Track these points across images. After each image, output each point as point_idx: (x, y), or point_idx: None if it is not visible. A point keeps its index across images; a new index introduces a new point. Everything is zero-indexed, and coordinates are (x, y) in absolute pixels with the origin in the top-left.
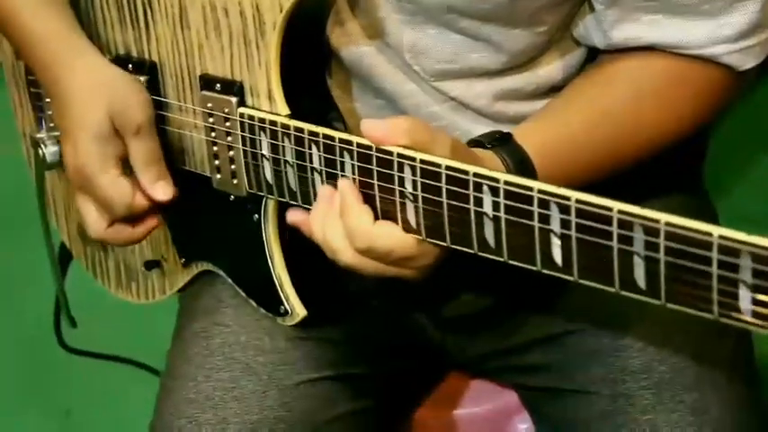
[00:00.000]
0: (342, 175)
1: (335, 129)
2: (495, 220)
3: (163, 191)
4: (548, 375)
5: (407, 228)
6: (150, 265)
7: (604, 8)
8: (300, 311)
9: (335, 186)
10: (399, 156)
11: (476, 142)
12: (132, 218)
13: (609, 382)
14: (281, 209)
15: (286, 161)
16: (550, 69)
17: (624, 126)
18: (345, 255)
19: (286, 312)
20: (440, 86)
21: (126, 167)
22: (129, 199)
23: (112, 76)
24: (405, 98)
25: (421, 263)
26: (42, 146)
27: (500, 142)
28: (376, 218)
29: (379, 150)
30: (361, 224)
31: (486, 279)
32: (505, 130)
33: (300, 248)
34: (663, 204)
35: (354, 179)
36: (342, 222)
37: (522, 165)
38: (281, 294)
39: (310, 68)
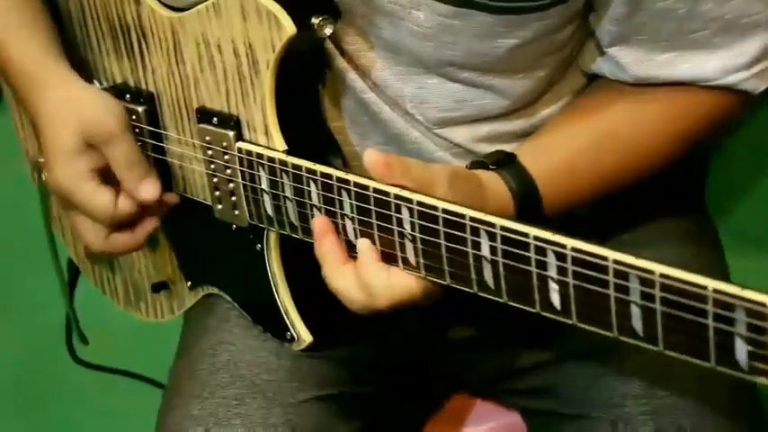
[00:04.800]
0: (363, 232)
1: (334, 166)
2: (494, 263)
3: (146, 191)
4: (550, 399)
5: (407, 266)
6: (158, 287)
7: (615, 50)
8: (306, 338)
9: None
10: (396, 197)
11: (479, 163)
12: (129, 223)
13: (609, 407)
14: (284, 238)
15: (285, 197)
16: (552, 109)
17: (628, 150)
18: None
19: (292, 339)
20: (442, 133)
21: (108, 178)
22: (111, 207)
23: (81, 92)
24: (409, 143)
25: (432, 294)
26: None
27: (504, 163)
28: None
29: (376, 191)
30: (380, 281)
31: (491, 301)
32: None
33: (305, 276)
34: (664, 228)
35: (353, 218)
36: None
37: (526, 187)
38: (287, 321)
39: (307, 104)
